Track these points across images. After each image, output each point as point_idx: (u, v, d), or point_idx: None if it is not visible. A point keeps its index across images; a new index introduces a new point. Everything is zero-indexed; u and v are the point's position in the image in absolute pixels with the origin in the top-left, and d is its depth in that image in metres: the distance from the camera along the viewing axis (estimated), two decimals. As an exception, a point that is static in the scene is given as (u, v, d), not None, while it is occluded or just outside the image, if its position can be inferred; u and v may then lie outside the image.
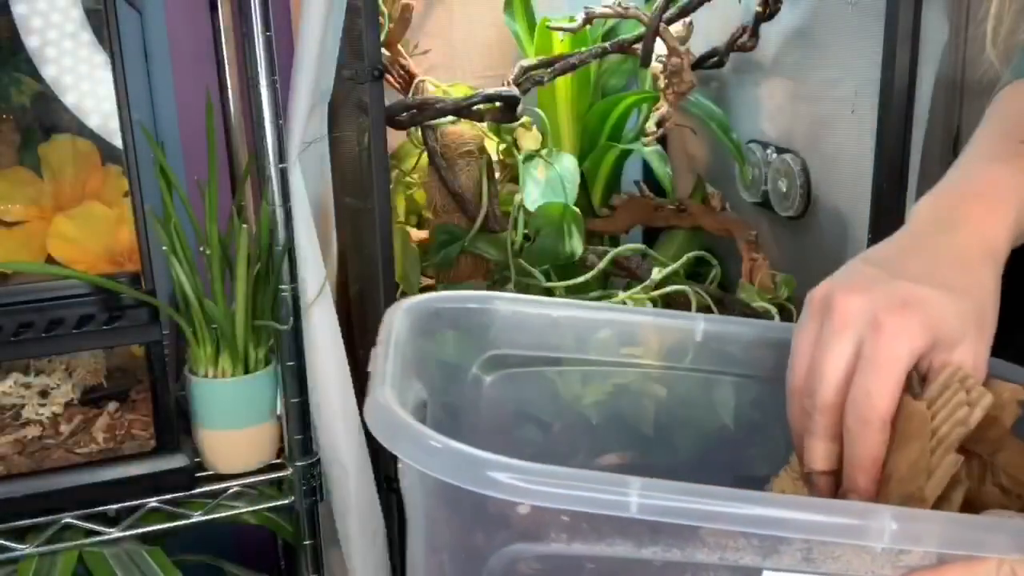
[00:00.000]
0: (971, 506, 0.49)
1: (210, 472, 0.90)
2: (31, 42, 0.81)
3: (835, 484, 0.51)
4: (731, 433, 0.64)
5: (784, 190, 1.19)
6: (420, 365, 0.57)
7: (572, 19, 1.22)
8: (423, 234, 1.28)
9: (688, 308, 1.19)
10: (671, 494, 0.41)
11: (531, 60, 1.21)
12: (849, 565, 0.42)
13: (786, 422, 0.54)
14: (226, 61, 1.13)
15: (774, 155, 1.21)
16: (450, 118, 1.18)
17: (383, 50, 1.12)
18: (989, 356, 0.50)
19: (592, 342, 0.56)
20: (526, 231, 1.21)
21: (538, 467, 0.41)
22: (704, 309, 1.20)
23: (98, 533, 0.86)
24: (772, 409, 0.59)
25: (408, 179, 1.27)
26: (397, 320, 0.57)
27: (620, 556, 0.43)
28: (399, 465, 0.45)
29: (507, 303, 0.62)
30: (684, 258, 1.23)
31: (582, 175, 1.28)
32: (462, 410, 0.61)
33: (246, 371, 0.88)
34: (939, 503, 0.48)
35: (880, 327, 0.48)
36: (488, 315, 0.61)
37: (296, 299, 0.89)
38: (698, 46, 1.29)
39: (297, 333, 0.90)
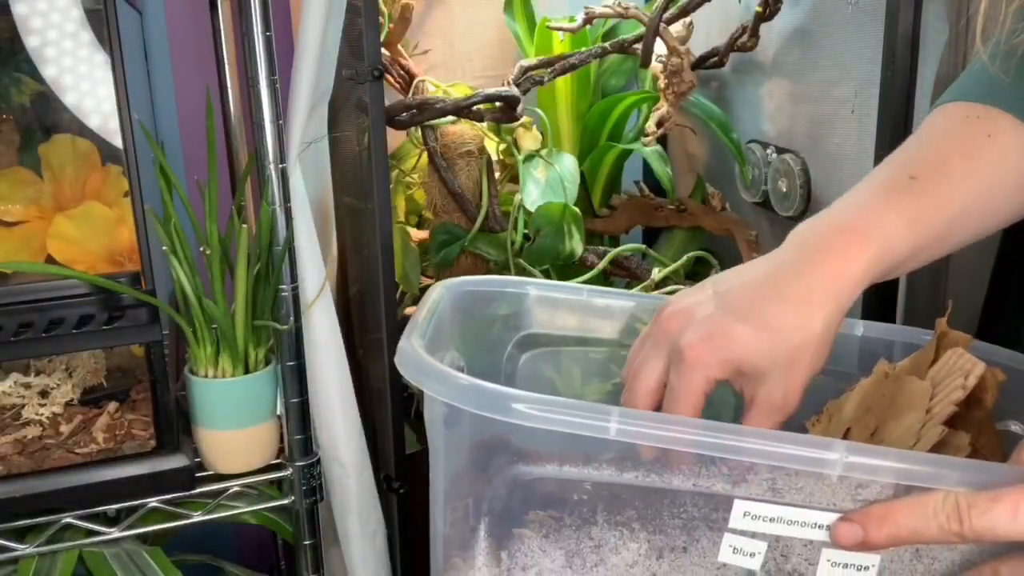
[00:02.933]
0: None
1: (210, 472, 0.90)
2: (31, 42, 0.81)
3: None
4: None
5: (784, 190, 1.19)
6: (459, 338, 0.64)
7: (572, 19, 1.22)
8: (423, 234, 1.28)
9: (688, 308, 1.19)
10: (644, 421, 0.47)
11: (531, 60, 1.21)
12: (811, 496, 0.47)
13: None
14: (226, 61, 1.13)
15: (774, 155, 1.21)
16: (450, 118, 1.18)
17: (383, 50, 1.12)
18: (801, 390, 0.54)
19: (620, 325, 0.60)
20: (526, 231, 1.21)
21: (535, 396, 0.48)
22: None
23: (98, 533, 0.86)
24: None
25: (408, 179, 1.27)
26: (437, 294, 0.63)
27: (605, 480, 0.49)
28: (424, 398, 0.52)
29: (541, 288, 0.68)
30: (684, 258, 1.23)
31: (582, 175, 1.28)
32: (496, 381, 0.65)
33: (246, 371, 0.88)
34: None
35: (682, 357, 0.53)
36: (524, 299, 0.67)
37: (296, 299, 0.89)
38: (698, 46, 1.30)
39: (297, 333, 0.90)
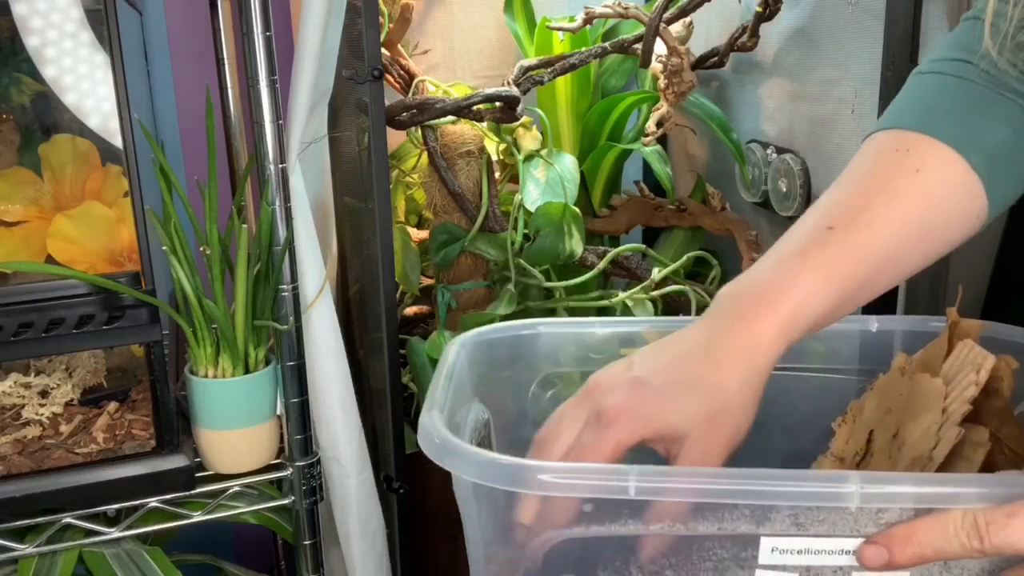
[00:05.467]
0: (989, 468, 0.54)
1: (210, 472, 0.90)
2: (31, 42, 0.81)
3: None
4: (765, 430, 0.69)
5: (784, 190, 1.19)
6: (481, 390, 0.65)
7: (572, 19, 1.22)
8: (423, 234, 1.28)
9: (688, 308, 1.19)
10: (661, 476, 0.48)
11: (531, 60, 1.21)
12: (834, 527, 0.48)
13: (811, 414, 0.60)
14: (226, 61, 1.13)
15: (774, 155, 1.21)
16: (450, 118, 1.18)
17: (383, 50, 1.12)
18: (722, 451, 0.55)
19: (631, 350, 0.61)
20: (526, 231, 1.21)
21: (557, 465, 0.51)
22: (704, 309, 1.20)
23: (98, 533, 0.86)
24: (800, 401, 0.68)
25: (408, 179, 1.27)
26: (452, 353, 0.64)
27: (631, 534, 0.51)
28: (453, 476, 0.53)
29: (554, 327, 0.70)
30: (684, 258, 1.23)
31: (582, 175, 1.28)
32: (524, 423, 0.68)
33: (246, 371, 0.88)
34: (961, 464, 0.53)
35: (599, 418, 0.55)
36: (539, 339, 0.69)
37: (296, 299, 0.89)
38: (698, 46, 1.30)
39: (297, 333, 0.90)
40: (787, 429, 0.70)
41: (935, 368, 0.58)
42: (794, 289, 0.56)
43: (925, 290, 0.97)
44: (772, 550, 0.49)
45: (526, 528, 0.53)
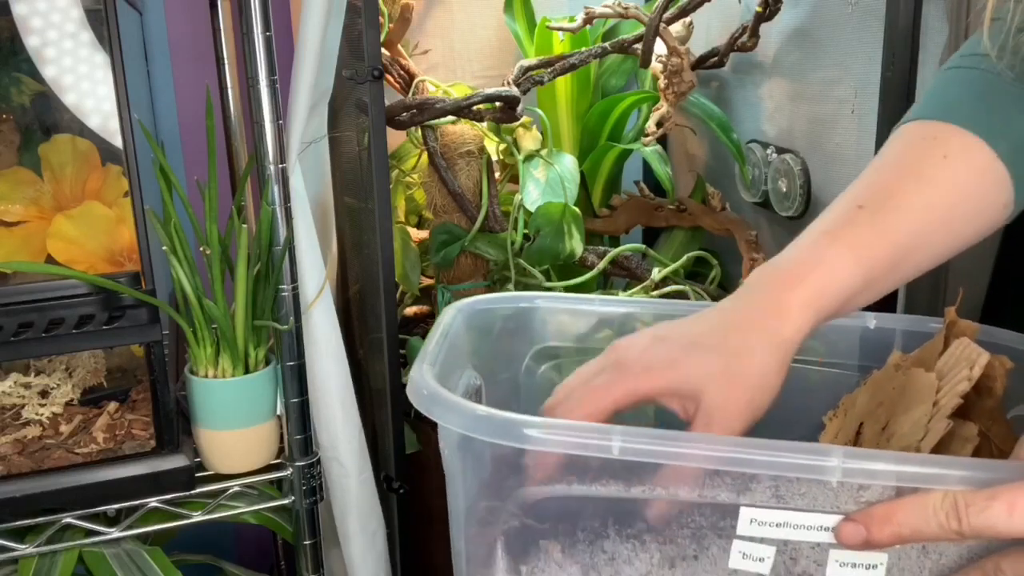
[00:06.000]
0: None
1: (210, 472, 0.90)
2: (31, 42, 0.81)
3: None
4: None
5: (784, 190, 1.19)
6: (475, 356, 0.65)
7: (572, 19, 1.22)
8: (423, 234, 1.28)
9: (688, 308, 1.19)
10: (646, 437, 0.48)
11: (531, 60, 1.21)
12: (815, 501, 0.48)
13: (805, 409, 0.60)
14: (226, 61, 1.13)
15: (774, 155, 1.21)
16: (450, 118, 1.18)
17: (383, 50, 1.12)
18: (740, 418, 0.54)
19: (632, 331, 0.60)
20: (526, 231, 1.21)
21: (544, 420, 0.49)
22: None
23: (98, 533, 0.86)
24: (796, 396, 0.65)
25: (408, 179, 1.27)
26: (449, 316, 0.64)
27: (612, 496, 0.50)
28: (439, 429, 0.53)
29: (552, 301, 0.70)
30: (684, 258, 1.23)
31: (582, 175, 1.28)
32: (516, 394, 0.68)
33: (246, 371, 0.88)
34: None
35: (616, 366, 0.55)
36: (536, 313, 0.69)
37: (296, 299, 0.89)
38: (698, 46, 1.30)
39: (297, 333, 0.90)
40: (782, 422, 0.70)
41: (930, 364, 0.58)
42: (823, 263, 0.56)
43: (925, 291, 0.97)
44: (751, 521, 0.48)
45: (510, 484, 0.52)
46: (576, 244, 1.19)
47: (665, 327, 0.57)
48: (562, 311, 0.69)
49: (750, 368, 0.54)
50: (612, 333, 0.69)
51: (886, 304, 0.95)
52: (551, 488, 0.51)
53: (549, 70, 1.19)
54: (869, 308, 0.63)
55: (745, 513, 0.48)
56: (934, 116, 0.61)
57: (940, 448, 0.53)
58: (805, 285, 0.55)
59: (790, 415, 0.69)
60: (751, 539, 0.49)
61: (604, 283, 1.29)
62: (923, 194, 0.58)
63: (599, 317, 0.69)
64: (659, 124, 1.23)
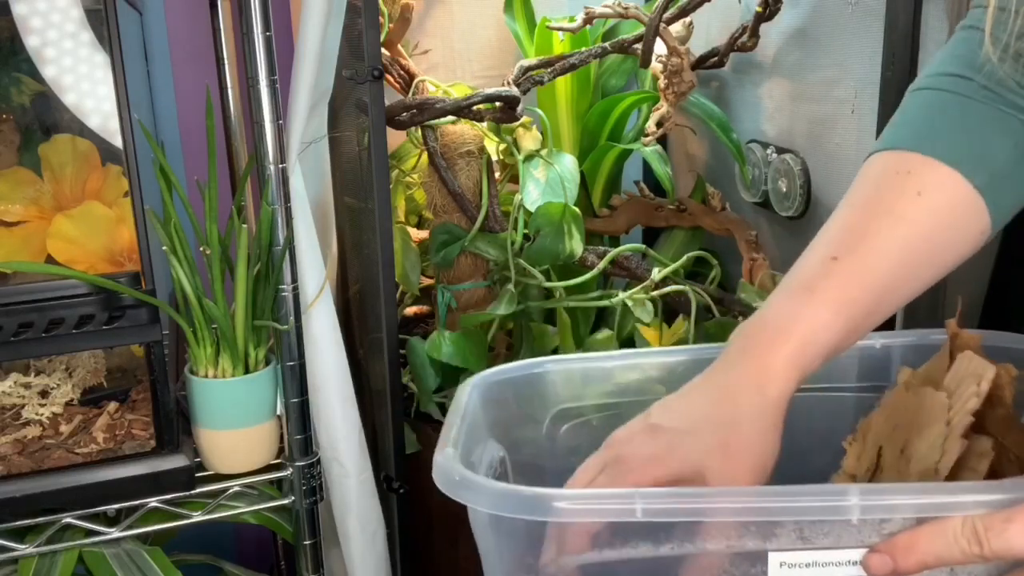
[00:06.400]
0: (995, 476, 0.55)
1: (210, 472, 0.90)
2: (31, 42, 0.81)
3: None
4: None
5: (784, 190, 1.19)
6: (495, 429, 0.67)
7: (572, 19, 1.22)
8: (423, 234, 1.28)
9: (688, 308, 1.19)
10: (666, 498, 0.50)
11: (531, 60, 1.21)
12: (839, 539, 0.49)
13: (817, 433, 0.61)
14: (226, 61, 1.13)
15: (774, 155, 1.21)
16: (450, 118, 1.18)
17: (383, 50, 1.12)
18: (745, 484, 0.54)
19: (643, 384, 0.63)
20: (526, 231, 1.21)
21: (571, 492, 0.52)
22: (704, 309, 1.20)
23: (98, 533, 0.86)
24: (807, 421, 0.68)
25: (408, 179, 1.27)
26: (465, 394, 0.66)
27: (642, 557, 0.51)
28: (469, 511, 0.54)
29: (561, 364, 0.72)
30: (684, 258, 1.23)
31: (582, 175, 1.28)
32: (541, 459, 0.70)
33: (246, 371, 0.88)
34: (967, 474, 0.54)
35: (616, 464, 0.56)
36: (548, 377, 0.71)
37: (296, 299, 0.89)
38: (698, 46, 1.30)
39: (297, 333, 0.90)
40: (797, 451, 0.71)
41: (938, 381, 0.59)
42: (803, 321, 0.57)
43: (924, 301, 0.97)
44: (780, 565, 0.50)
45: (547, 557, 0.53)
46: (576, 244, 1.19)
47: (657, 411, 0.58)
48: (571, 372, 0.72)
49: (744, 439, 0.55)
50: (625, 384, 0.71)
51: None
52: (583, 557, 0.53)
53: (549, 70, 1.19)
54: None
55: (774, 558, 0.50)
56: (908, 145, 0.61)
57: (958, 466, 0.54)
58: (787, 345, 0.56)
59: (806, 442, 0.70)
60: None
61: (604, 283, 1.29)
62: (899, 234, 0.58)
63: (609, 373, 0.71)
64: (659, 124, 1.23)
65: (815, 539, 0.49)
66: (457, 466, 0.54)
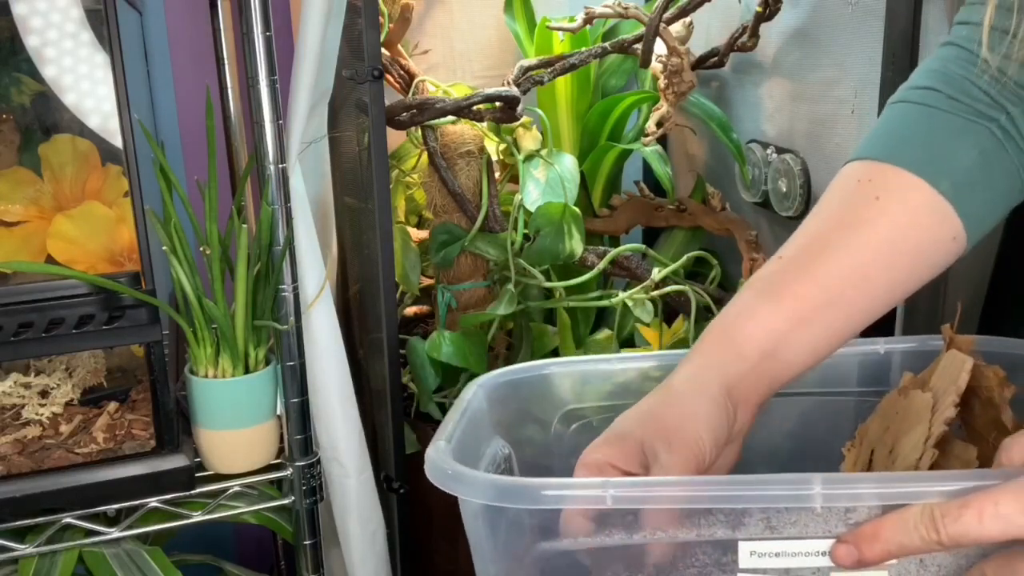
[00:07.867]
0: None
1: (210, 472, 0.90)
2: (31, 42, 0.81)
3: None
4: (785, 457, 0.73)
5: (784, 190, 1.19)
6: (501, 427, 0.68)
7: (572, 19, 1.22)
8: (423, 234, 1.28)
9: (688, 308, 1.19)
10: (635, 487, 0.52)
11: (531, 60, 1.21)
12: (806, 528, 0.50)
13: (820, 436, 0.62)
14: (226, 61, 1.13)
15: (774, 155, 1.21)
16: (450, 118, 1.18)
17: (383, 50, 1.12)
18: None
19: (650, 387, 0.63)
20: (526, 231, 1.21)
21: (558, 481, 0.53)
22: (704, 309, 1.21)
23: (98, 533, 0.86)
24: (803, 425, 0.71)
25: (408, 179, 1.27)
26: (469, 392, 0.67)
27: (618, 544, 0.53)
28: (460, 504, 0.56)
29: (568, 365, 0.73)
30: (684, 258, 1.23)
31: (582, 175, 1.28)
32: (547, 458, 0.71)
33: (246, 371, 0.88)
34: None
35: (577, 467, 0.57)
36: (554, 378, 0.72)
37: (296, 299, 0.89)
38: (698, 46, 1.30)
39: (297, 333, 0.90)
40: (798, 454, 0.72)
41: (928, 384, 0.59)
42: (739, 313, 0.59)
43: (924, 306, 0.97)
44: (751, 554, 0.50)
45: (525, 543, 0.55)
46: (576, 244, 1.19)
47: (618, 419, 0.60)
48: (578, 373, 0.73)
49: (686, 434, 0.56)
50: (631, 385, 0.72)
51: (883, 321, 0.96)
52: (559, 544, 0.54)
53: (549, 70, 1.19)
54: (867, 329, 0.63)
55: (744, 547, 0.50)
56: (876, 156, 0.62)
57: (939, 466, 0.54)
58: (725, 338, 0.59)
59: (801, 445, 0.72)
60: (754, 571, 0.51)
61: (604, 283, 1.29)
62: (852, 235, 0.59)
63: (616, 375, 0.72)
64: (659, 124, 1.23)
65: (782, 528, 0.50)
66: (447, 459, 0.55)
